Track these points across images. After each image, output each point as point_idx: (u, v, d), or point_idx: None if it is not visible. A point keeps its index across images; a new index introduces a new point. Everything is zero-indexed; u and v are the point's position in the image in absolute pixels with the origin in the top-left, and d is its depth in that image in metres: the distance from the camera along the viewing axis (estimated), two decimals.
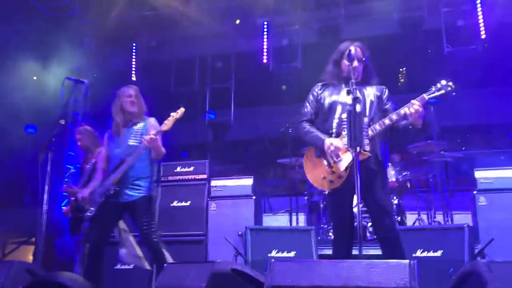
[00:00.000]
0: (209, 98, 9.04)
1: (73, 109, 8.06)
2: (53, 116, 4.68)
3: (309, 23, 8.17)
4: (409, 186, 6.27)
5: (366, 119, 3.23)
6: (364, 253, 3.51)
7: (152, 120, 4.11)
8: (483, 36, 7.26)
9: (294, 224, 6.40)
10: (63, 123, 4.07)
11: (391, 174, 5.93)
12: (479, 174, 5.21)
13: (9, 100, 7.31)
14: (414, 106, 3.17)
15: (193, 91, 8.67)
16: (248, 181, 5.80)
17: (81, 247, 4.71)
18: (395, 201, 5.82)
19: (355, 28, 7.95)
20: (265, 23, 8.31)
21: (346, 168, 3.24)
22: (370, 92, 3.45)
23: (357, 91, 3.06)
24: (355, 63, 3.29)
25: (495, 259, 4.30)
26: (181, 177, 5.93)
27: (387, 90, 3.50)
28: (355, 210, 3.36)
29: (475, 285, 2.04)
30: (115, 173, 3.88)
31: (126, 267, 5.20)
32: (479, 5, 7.27)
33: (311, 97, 3.57)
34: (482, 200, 5.07)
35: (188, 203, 5.76)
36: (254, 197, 5.67)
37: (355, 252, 3.24)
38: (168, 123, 3.87)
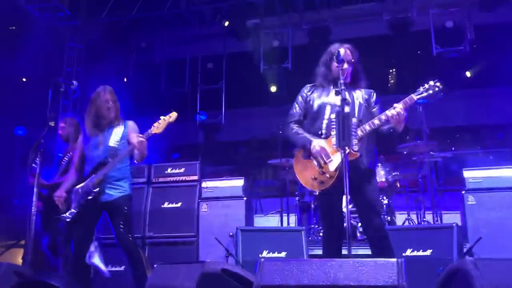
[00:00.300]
0: (200, 99, 9.03)
1: (62, 111, 8.00)
2: (43, 118, 4.64)
3: (299, 25, 8.21)
4: (398, 186, 6.31)
5: (354, 120, 3.26)
6: (354, 252, 3.54)
7: (131, 123, 4.08)
8: (471, 37, 7.33)
9: (285, 224, 6.41)
10: (52, 125, 4.05)
11: (381, 174, 5.96)
12: (467, 173, 5.25)
13: None
14: (396, 109, 3.19)
15: (183, 92, 8.67)
16: (239, 182, 5.80)
17: (62, 249, 4.66)
18: (385, 201, 5.85)
19: (345, 29, 8.01)
20: (256, 24, 8.33)
21: (336, 168, 3.26)
22: (359, 95, 3.47)
23: (346, 93, 3.08)
24: (345, 65, 3.31)
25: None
26: (172, 179, 5.91)
27: (375, 94, 3.53)
28: (345, 210, 3.37)
29: (461, 282, 2.06)
30: (97, 174, 3.83)
31: (117, 268, 5.18)
32: (467, 6, 7.35)
33: (300, 98, 3.58)
34: (471, 200, 5.11)
35: (179, 205, 5.74)
36: (245, 198, 5.67)
37: (345, 252, 3.26)
38: (159, 126, 3.83)
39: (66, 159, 4.95)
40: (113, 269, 5.20)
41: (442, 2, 7.67)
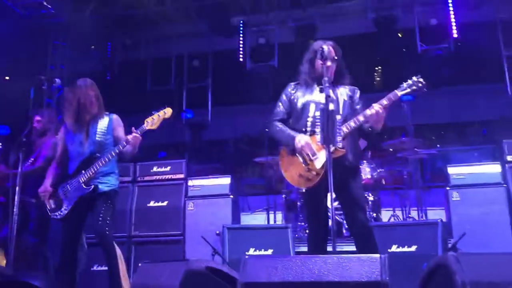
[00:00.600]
0: (186, 97, 9.00)
1: (52, 109, 7.91)
2: (26, 116, 4.56)
3: (286, 22, 8.22)
4: (384, 183, 6.35)
5: (339, 117, 3.27)
6: (339, 249, 3.55)
7: (115, 117, 4.01)
8: (455, 35, 7.41)
9: (271, 222, 6.42)
10: None
11: (366, 171, 6.00)
12: (452, 170, 5.31)
13: None
14: (374, 108, 3.21)
15: (169, 90, 8.63)
16: (226, 181, 5.80)
17: (41, 250, 4.58)
18: (371, 198, 5.89)
19: (331, 27, 8.03)
20: (241, 22, 8.32)
21: (323, 165, 3.26)
22: (343, 92, 3.48)
23: (330, 90, 3.08)
24: (328, 62, 3.31)
25: None
26: (157, 177, 5.89)
27: (358, 91, 3.54)
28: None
29: (443, 277, 2.08)
30: (87, 171, 3.77)
31: (103, 268, 5.15)
32: (451, 5, 7.42)
33: (284, 96, 3.58)
34: (455, 196, 5.17)
35: (165, 203, 5.72)
36: (231, 196, 5.67)
37: (330, 249, 3.27)
38: (154, 123, 3.74)
39: (34, 153, 4.78)
40: (98, 268, 5.18)
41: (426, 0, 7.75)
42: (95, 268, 5.18)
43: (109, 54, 8.73)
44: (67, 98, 3.94)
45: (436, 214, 5.86)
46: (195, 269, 2.47)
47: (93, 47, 8.48)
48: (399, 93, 3.30)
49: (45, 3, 7.80)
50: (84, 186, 3.76)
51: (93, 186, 3.75)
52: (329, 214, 3.41)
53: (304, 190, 3.49)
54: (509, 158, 5.11)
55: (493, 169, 5.18)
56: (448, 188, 5.21)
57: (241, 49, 8.35)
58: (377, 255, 2.12)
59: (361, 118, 3.29)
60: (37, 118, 4.92)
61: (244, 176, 9.65)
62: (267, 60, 8.13)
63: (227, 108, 9.86)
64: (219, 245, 5.12)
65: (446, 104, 9.37)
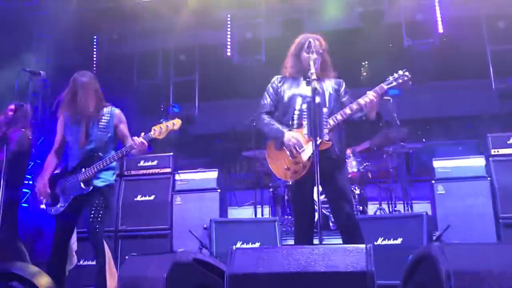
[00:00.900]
0: (172, 91, 8.95)
1: (31, 104, 7.78)
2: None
3: (273, 17, 8.20)
4: (370, 176, 6.41)
5: (325, 110, 3.29)
6: (325, 242, 3.58)
7: (118, 112, 3.92)
8: (441, 30, 7.47)
9: (259, 216, 6.44)
10: None
11: (353, 164, 6.05)
12: (437, 164, 5.38)
13: None
14: (368, 96, 3.26)
15: (156, 84, 8.56)
16: (213, 175, 5.81)
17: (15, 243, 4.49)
18: (357, 191, 5.94)
19: (318, 21, 8.04)
20: (229, 16, 8.29)
21: (309, 158, 3.28)
22: (328, 85, 3.51)
23: (316, 82, 3.10)
24: (314, 55, 3.33)
25: None
26: (144, 171, 5.88)
27: (344, 84, 3.58)
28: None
29: (428, 267, 2.11)
30: (87, 170, 3.69)
31: (90, 263, 5.12)
32: (436, 0, 7.48)
33: (270, 89, 3.60)
34: (440, 189, 5.24)
35: (152, 197, 5.72)
36: (219, 190, 5.68)
37: (316, 241, 3.29)
38: (162, 132, 3.70)
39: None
40: (85, 263, 5.15)
41: None
42: (81, 262, 5.15)
43: (95, 47, 8.64)
44: (66, 91, 3.82)
45: (421, 207, 5.94)
46: (183, 261, 2.48)
47: (78, 40, 8.37)
48: (385, 86, 3.35)
49: None
50: (83, 186, 3.70)
51: (91, 187, 3.70)
52: (315, 207, 3.44)
53: (290, 183, 3.52)
54: (493, 152, 5.19)
55: (477, 162, 5.26)
56: (433, 181, 5.28)
57: (228, 43, 8.33)
58: (363, 245, 2.15)
59: (347, 111, 3.32)
60: (11, 107, 4.77)
61: (231, 171, 9.66)
62: (254, 54, 8.11)
63: (214, 103, 9.84)
64: (206, 239, 5.13)
65: (432, 99, 9.44)
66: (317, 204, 2.99)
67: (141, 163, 5.89)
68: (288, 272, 2.13)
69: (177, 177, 5.80)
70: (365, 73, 10.04)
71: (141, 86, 8.52)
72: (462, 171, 5.26)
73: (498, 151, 5.18)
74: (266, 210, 6.67)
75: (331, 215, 5.50)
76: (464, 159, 5.37)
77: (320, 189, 2.93)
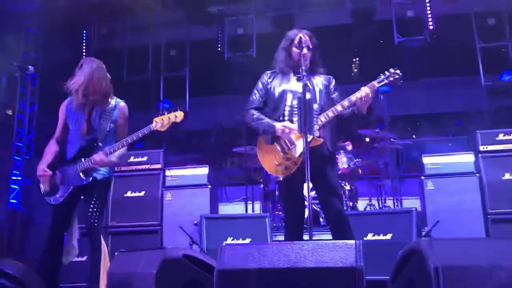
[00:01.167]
0: (163, 87, 8.91)
1: (20, 99, 7.72)
2: None
3: (264, 12, 8.19)
4: (360, 172, 6.43)
5: (316, 106, 3.29)
6: (316, 238, 3.59)
7: (123, 107, 3.79)
8: (431, 27, 7.51)
9: (250, 212, 6.45)
10: (10, 113, 3.88)
11: (343, 161, 6.06)
12: (426, 160, 5.41)
13: None
14: (364, 90, 3.26)
15: (146, 80, 8.52)
16: (204, 170, 5.78)
17: None
18: (347, 187, 5.96)
19: (309, 17, 8.04)
20: (220, 11, 8.27)
21: (300, 154, 3.28)
22: (318, 81, 3.51)
23: (306, 79, 3.10)
24: (304, 50, 3.33)
25: None
26: (134, 167, 5.84)
27: (333, 80, 3.58)
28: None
29: (417, 261, 2.13)
30: (87, 161, 3.57)
31: (80, 259, 5.09)
32: None
33: (260, 85, 3.58)
34: (429, 185, 5.27)
35: (142, 193, 5.68)
36: (209, 186, 5.66)
37: (306, 237, 3.30)
38: (164, 125, 3.57)
39: None
40: (77, 259, 5.11)
41: None
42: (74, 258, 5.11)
43: (84, 42, 8.57)
44: (73, 78, 3.66)
45: (411, 203, 5.97)
46: (172, 257, 2.47)
47: (67, 35, 8.30)
48: (377, 84, 3.35)
49: None
50: (82, 177, 3.60)
51: (91, 178, 3.61)
52: (305, 202, 3.44)
53: (281, 179, 3.52)
54: (482, 148, 5.23)
55: (467, 159, 5.29)
56: (423, 177, 5.30)
57: (219, 38, 8.30)
58: (352, 241, 2.16)
59: (339, 108, 3.33)
60: None
61: (222, 167, 9.65)
62: (245, 50, 8.10)
63: (205, 98, 9.82)
64: (197, 235, 5.12)
65: (422, 96, 9.51)
66: (308, 200, 2.99)
67: (131, 159, 5.85)
68: (278, 268, 2.13)
69: (167, 173, 5.77)
70: (355, 70, 10.07)
71: (131, 81, 8.48)
72: (451, 167, 5.29)
73: (487, 148, 5.21)
74: (257, 206, 6.68)
75: (321, 211, 5.52)
76: (453, 155, 5.40)
77: (311, 185, 2.93)
